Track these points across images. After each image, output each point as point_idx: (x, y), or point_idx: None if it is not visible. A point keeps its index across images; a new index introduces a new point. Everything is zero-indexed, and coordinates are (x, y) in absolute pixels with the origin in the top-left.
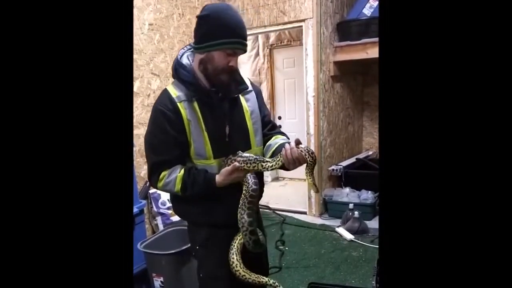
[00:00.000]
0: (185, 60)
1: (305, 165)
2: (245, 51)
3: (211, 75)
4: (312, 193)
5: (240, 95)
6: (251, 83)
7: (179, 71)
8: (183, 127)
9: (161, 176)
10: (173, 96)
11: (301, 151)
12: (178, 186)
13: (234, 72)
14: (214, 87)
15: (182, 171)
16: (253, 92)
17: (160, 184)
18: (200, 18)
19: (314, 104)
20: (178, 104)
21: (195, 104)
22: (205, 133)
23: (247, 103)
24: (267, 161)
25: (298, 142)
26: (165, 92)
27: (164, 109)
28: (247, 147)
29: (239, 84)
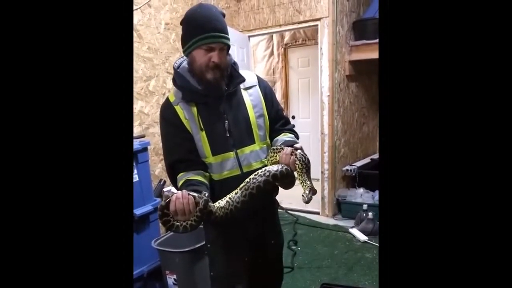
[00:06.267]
0: (182, 68)
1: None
2: (224, 43)
3: (198, 74)
4: (326, 193)
5: (242, 90)
6: (258, 78)
7: (174, 78)
8: (184, 126)
9: (178, 177)
10: (171, 101)
11: (293, 156)
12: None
13: (221, 68)
14: (203, 86)
15: (185, 180)
16: (257, 87)
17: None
18: (180, 24)
19: (328, 103)
20: (175, 107)
21: (192, 105)
22: (202, 132)
23: (250, 97)
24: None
25: (295, 148)
26: (165, 100)
27: (164, 114)
28: (250, 141)
29: (233, 79)
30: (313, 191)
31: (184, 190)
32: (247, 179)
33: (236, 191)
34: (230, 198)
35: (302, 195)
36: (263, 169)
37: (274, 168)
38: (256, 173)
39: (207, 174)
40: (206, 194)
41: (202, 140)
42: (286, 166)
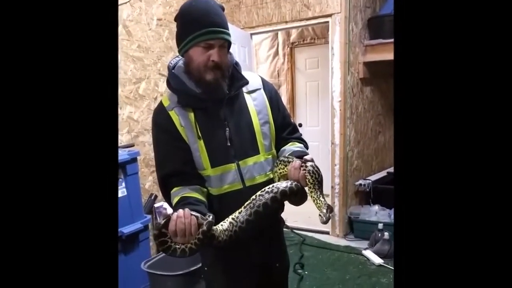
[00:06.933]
0: (177, 68)
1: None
2: (225, 39)
3: (196, 76)
4: (337, 210)
5: (245, 93)
6: (263, 81)
7: (169, 80)
8: (179, 135)
9: (172, 191)
10: (164, 105)
11: (304, 170)
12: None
13: (221, 68)
14: (201, 89)
15: (181, 197)
16: (261, 90)
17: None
18: (175, 20)
19: (340, 110)
20: (169, 112)
21: (189, 110)
22: (200, 141)
23: (254, 102)
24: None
25: (304, 161)
26: (158, 104)
27: (157, 120)
28: (253, 152)
29: (235, 81)
30: (330, 209)
31: (186, 209)
32: (253, 196)
33: (240, 210)
34: (233, 219)
35: (319, 215)
36: (270, 185)
37: (283, 184)
38: (263, 189)
39: (205, 189)
40: (211, 216)
41: (200, 150)
42: (296, 182)
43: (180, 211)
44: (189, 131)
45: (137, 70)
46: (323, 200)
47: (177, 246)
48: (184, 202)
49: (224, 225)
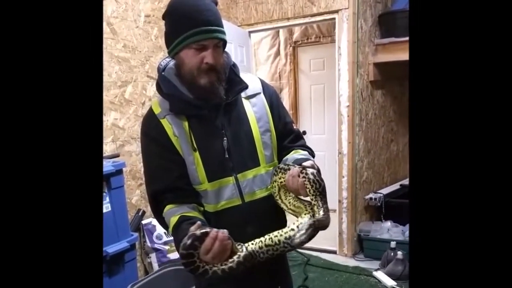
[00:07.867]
0: (168, 70)
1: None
2: (219, 38)
3: (188, 80)
4: (344, 227)
5: (243, 99)
6: (263, 84)
7: (159, 83)
8: (172, 146)
9: (165, 209)
10: (155, 112)
11: (303, 178)
12: (170, 228)
13: (217, 70)
14: (195, 94)
15: (180, 216)
16: (261, 95)
17: (164, 219)
18: (163, 19)
19: (348, 116)
20: (161, 120)
21: (182, 118)
22: (196, 153)
23: (253, 108)
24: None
25: (303, 167)
26: (148, 111)
27: (146, 129)
28: (253, 164)
29: (233, 85)
30: (313, 227)
31: (226, 231)
32: (276, 240)
33: (260, 244)
34: (254, 251)
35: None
36: (294, 228)
37: (309, 228)
38: (286, 236)
39: (202, 208)
40: (246, 248)
41: (196, 163)
42: (315, 219)
43: (218, 231)
44: (183, 142)
45: (122, 72)
46: (322, 213)
47: (201, 265)
48: (189, 222)
49: (240, 255)
